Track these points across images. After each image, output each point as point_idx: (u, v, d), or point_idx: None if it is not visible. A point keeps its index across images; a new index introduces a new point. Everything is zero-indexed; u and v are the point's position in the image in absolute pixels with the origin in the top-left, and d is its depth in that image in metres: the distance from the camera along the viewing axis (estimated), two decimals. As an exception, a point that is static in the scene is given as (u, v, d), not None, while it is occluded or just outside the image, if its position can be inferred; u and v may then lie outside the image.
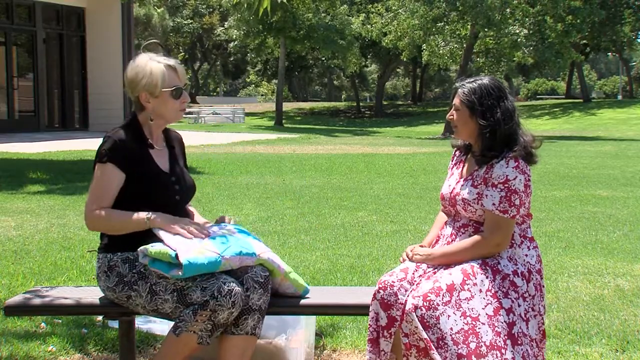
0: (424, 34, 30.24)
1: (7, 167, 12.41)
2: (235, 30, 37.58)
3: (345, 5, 39.41)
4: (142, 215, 3.08)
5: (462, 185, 3.14)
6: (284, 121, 38.25)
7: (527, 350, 2.92)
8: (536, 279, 3.03)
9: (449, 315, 2.85)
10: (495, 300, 2.91)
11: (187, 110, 45.50)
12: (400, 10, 31.59)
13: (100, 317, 4.18)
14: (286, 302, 3.27)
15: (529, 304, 2.98)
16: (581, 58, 39.15)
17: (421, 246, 3.24)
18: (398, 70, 63.37)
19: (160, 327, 4.07)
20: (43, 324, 4.26)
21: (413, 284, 3.04)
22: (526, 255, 3.06)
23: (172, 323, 3.05)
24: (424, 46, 31.06)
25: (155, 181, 3.17)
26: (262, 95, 69.78)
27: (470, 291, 2.90)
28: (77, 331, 4.15)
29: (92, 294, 3.33)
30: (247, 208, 8.80)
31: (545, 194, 10.49)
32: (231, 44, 49.71)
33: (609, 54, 66.18)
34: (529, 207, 3.10)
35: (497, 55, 30.42)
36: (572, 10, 31.41)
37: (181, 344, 2.98)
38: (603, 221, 8.20)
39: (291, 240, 6.89)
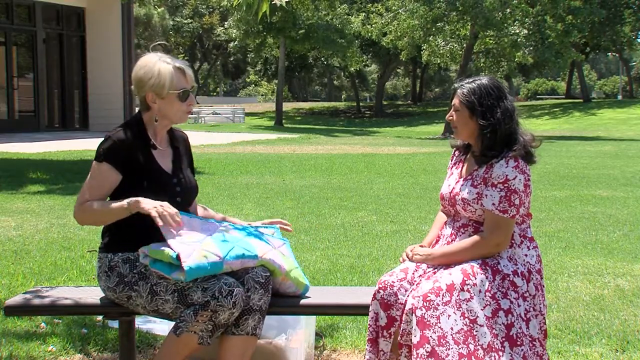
0: (424, 34, 30.25)
1: (7, 167, 12.41)
2: (235, 30, 37.58)
3: (344, 5, 39.39)
4: (124, 201, 3.07)
5: (461, 185, 3.14)
6: (284, 121, 38.26)
7: (527, 350, 2.92)
8: (536, 278, 3.03)
9: (449, 315, 2.85)
10: (494, 301, 2.91)
11: (187, 110, 45.83)
12: (400, 10, 31.59)
13: (100, 317, 4.18)
14: (286, 302, 3.27)
15: (530, 304, 2.98)
16: (581, 58, 39.14)
17: (421, 246, 3.24)
18: (398, 70, 63.36)
19: (161, 327, 4.08)
20: (43, 324, 4.26)
21: (413, 284, 3.04)
22: (526, 255, 3.06)
23: (172, 323, 3.05)
24: (424, 46, 31.06)
25: (156, 182, 3.17)
26: (262, 95, 69.80)
27: (469, 292, 2.90)
28: (77, 331, 4.15)
29: (92, 294, 3.33)
30: (247, 208, 8.80)
31: (545, 194, 10.49)
32: (231, 44, 49.72)
33: (609, 54, 66.18)
34: (529, 207, 3.10)
35: (497, 56, 30.43)
36: (572, 10, 31.42)
37: (182, 344, 2.98)
38: (603, 221, 8.20)
39: (291, 240, 6.85)
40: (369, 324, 3.08)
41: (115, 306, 3.18)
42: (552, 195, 10.43)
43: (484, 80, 3.15)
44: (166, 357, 3.02)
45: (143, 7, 42.15)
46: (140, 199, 3.04)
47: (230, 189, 10.71)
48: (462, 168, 3.23)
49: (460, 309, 2.87)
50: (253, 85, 77.23)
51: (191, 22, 55.45)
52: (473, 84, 3.12)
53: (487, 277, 2.95)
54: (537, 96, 69.54)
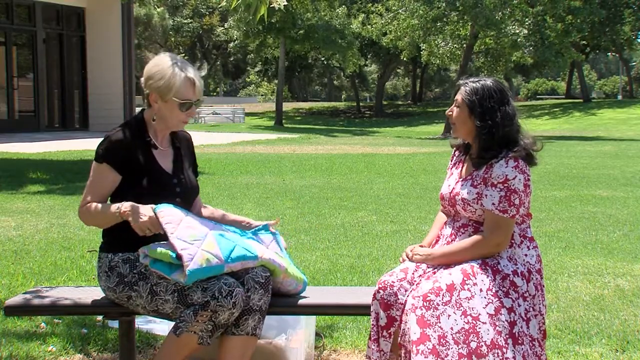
0: (424, 34, 30.25)
1: (7, 167, 12.41)
2: (235, 31, 37.59)
3: (344, 6, 39.40)
4: (114, 208, 3.08)
5: (461, 185, 3.14)
6: (284, 121, 38.27)
7: (527, 350, 2.92)
8: (536, 278, 3.03)
9: (449, 315, 2.85)
10: (497, 299, 2.91)
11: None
12: (400, 10, 31.60)
13: (100, 317, 4.18)
14: (286, 302, 3.27)
15: (530, 304, 2.98)
16: (581, 58, 39.16)
17: (421, 246, 3.24)
18: (398, 70, 63.35)
19: (161, 327, 4.08)
20: (43, 324, 4.26)
21: (413, 284, 3.04)
22: (526, 255, 3.06)
23: (172, 323, 3.05)
24: (423, 46, 31.07)
25: (156, 182, 3.17)
26: (262, 95, 69.78)
27: (470, 291, 2.90)
28: (77, 331, 4.15)
29: (92, 294, 3.33)
30: (247, 208, 8.80)
31: (545, 194, 10.49)
32: (231, 44, 49.72)
33: (609, 54, 66.18)
34: (529, 206, 3.10)
35: (496, 56, 30.43)
36: (572, 10, 31.43)
37: (182, 344, 2.98)
38: (603, 221, 8.20)
39: (291, 240, 6.88)
40: (372, 325, 3.08)
41: (115, 306, 3.18)
42: (552, 195, 10.43)
43: (488, 82, 3.14)
44: (166, 357, 3.02)
45: (143, 7, 42.16)
46: (129, 207, 3.05)
47: (230, 189, 10.71)
48: (462, 168, 3.23)
49: (461, 307, 2.86)
50: (253, 85, 77.23)
51: (191, 22, 55.44)
52: (477, 84, 3.12)
53: (487, 277, 2.95)
54: (537, 96, 69.55)
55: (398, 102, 63.93)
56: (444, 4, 29.58)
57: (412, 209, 9.05)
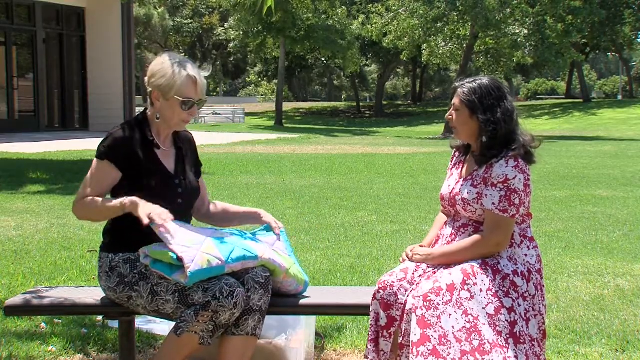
0: (424, 34, 30.26)
1: (7, 167, 12.41)
2: (235, 31, 37.59)
3: (344, 7, 39.40)
4: (122, 199, 3.07)
5: (461, 185, 3.14)
6: (284, 121, 38.26)
7: (528, 349, 2.92)
8: (536, 278, 3.03)
9: (450, 314, 2.85)
10: (497, 299, 2.91)
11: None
12: (400, 10, 31.61)
13: (100, 317, 4.18)
14: (286, 302, 3.27)
15: (530, 304, 2.98)
16: (581, 58, 39.16)
17: (421, 246, 3.24)
18: (398, 70, 63.35)
19: (161, 327, 4.08)
20: (43, 324, 4.26)
21: (413, 284, 3.04)
22: (526, 255, 3.06)
23: (173, 323, 3.05)
24: (424, 46, 31.07)
25: (157, 182, 3.16)
26: (262, 95, 69.78)
27: (470, 291, 2.90)
28: (77, 331, 4.15)
29: (92, 294, 3.33)
30: (247, 208, 8.79)
31: (545, 194, 10.49)
32: (231, 44, 49.71)
33: (609, 54, 66.17)
34: (529, 206, 3.10)
35: (497, 56, 30.43)
36: (572, 10, 31.42)
37: (182, 344, 2.98)
38: (603, 221, 8.20)
39: (291, 240, 6.86)
40: (370, 324, 3.08)
41: (115, 306, 3.18)
42: (552, 195, 10.43)
43: (484, 80, 3.14)
44: (166, 357, 3.02)
45: (143, 7, 42.15)
46: (137, 201, 3.04)
47: (230, 189, 10.71)
48: (462, 169, 3.23)
49: (462, 307, 2.86)
50: (253, 85, 77.23)
51: (191, 23, 55.44)
52: (474, 84, 3.12)
53: (487, 277, 2.95)
54: (537, 96, 69.55)
55: (398, 102, 63.93)
56: (444, 4, 29.59)
57: (412, 209, 9.05)
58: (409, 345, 2.89)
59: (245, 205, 3.35)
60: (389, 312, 3.01)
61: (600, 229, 7.69)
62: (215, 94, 75.73)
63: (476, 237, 3.05)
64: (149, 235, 3.07)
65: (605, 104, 43.88)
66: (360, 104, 57.15)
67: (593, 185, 11.63)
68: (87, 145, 16.43)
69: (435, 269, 3.08)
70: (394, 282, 3.05)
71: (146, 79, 3.21)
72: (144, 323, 4.15)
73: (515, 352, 2.87)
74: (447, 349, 2.81)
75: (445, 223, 3.24)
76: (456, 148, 3.30)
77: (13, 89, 21.75)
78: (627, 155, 18.20)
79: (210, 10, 55.95)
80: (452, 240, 3.14)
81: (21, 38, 22.70)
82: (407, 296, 2.98)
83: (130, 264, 3.11)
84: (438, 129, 33.91)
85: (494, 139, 3.06)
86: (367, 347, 3.09)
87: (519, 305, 2.95)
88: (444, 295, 2.87)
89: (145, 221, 2.97)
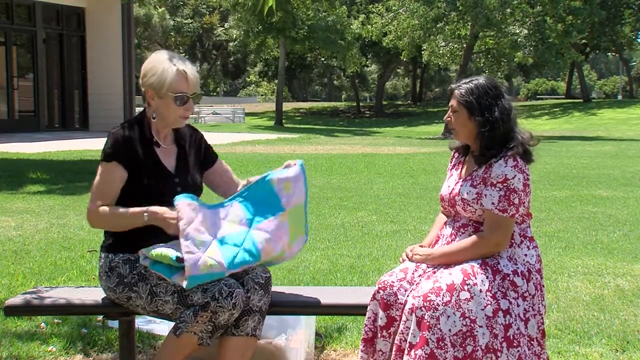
0: (424, 34, 30.26)
1: (7, 167, 12.41)
2: (235, 30, 37.59)
3: (344, 7, 39.42)
4: (138, 210, 3.07)
5: (461, 186, 3.14)
6: (284, 121, 38.27)
7: (524, 351, 2.92)
8: (536, 278, 3.03)
9: (448, 316, 2.85)
10: (495, 301, 2.91)
11: (187, 110, 45.53)
12: (400, 11, 31.61)
13: (100, 317, 4.18)
14: (286, 302, 3.27)
15: (529, 304, 2.98)
16: (581, 58, 39.16)
17: (421, 246, 3.24)
18: (398, 70, 63.35)
19: (161, 327, 4.07)
20: (43, 324, 4.26)
21: (413, 284, 3.04)
22: (526, 255, 3.06)
23: (172, 323, 3.05)
24: (424, 46, 31.07)
25: (156, 180, 3.16)
26: (262, 95, 69.79)
27: (469, 292, 2.90)
28: (77, 331, 4.15)
29: (92, 294, 3.34)
30: (247, 208, 8.79)
31: (545, 194, 10.49)
32: (231, 44, 49.72)
33: (609, 54, 66.17)
34: (529, 206, 3.10)
35: (497, 56, 30.43)
36: (572, 10, 31.42)
37: (181, 345, 2.98)
38: (603, 221, 8.21)
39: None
40: (365, 324, 3.08)
41: (115, 306, 3.18)
42: (552, 195, 10.43)
43: (481, 80, 3.14)
44: (166, 358, 3.02)
45: (143, 7, 42.17)
46: (157, 210, 3.06)
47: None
48: (461, 169, 3.23)
49: (460, 309, 2.86)
50: (253, 85, 77.23)
51: (191, 22, 55.44)
52: (470, 84, 3.12)
53: (487, 277, 2.95)
54: (537, 96, 69.53)
55: (398, 102, 63.93)
56: (444, 4, 29.59)
57: (412, 209, 9.05)
58: (400, 345, 2.89)
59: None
60: (388, 312, 3.01)
61: (600, 229, 7.69)
62: (215, 94, 75.71)
63: (476, 237, 3.05)
64: (149, 236, 3.07)
65: (605, 104, 43.87)
66: (360, 104, 57.16)
67: (593, 185, 11.63)
68: (87, 145, 16.43)
69: (435, 269, 3.08)
70: (393, 282, 3.05)
71: (140, 80, 3.22)
72: (144, 323, 4.15)
73: (508, 357, 2.87)
74: (444, 352, 2.82)
75: (445, 223, 3.24)
76: (455, 149, 3.30)
77: (13, 89, 21.75)
78: (627, 155, 18.20)
79: (211, 10, 55.95)
80: (452, 241, 3.14)
81: (21, 38, 22.70)
82: (407, 296, 2.98)
83: (130, 265, 3.11)
84: (438, 129, 33.91)
85: (492, 138, 3.06)
86: (360, 346, 3.10)
87: (518, 306, 2.95)
88: (443, 295, 2.87)
89: (171, 232, 3.03)
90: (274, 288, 3.22)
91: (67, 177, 11.46)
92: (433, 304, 2.85)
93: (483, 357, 2.83)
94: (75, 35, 23.56)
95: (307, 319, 3.74)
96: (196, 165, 3.33)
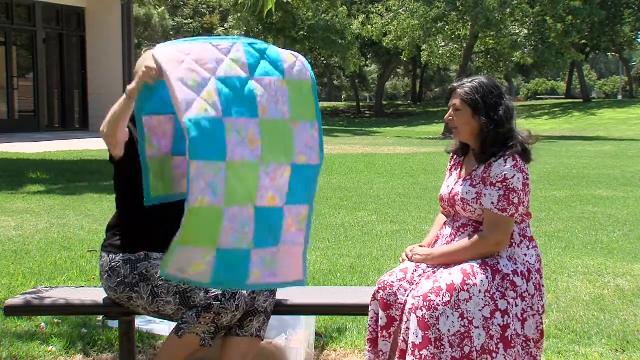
0: (424, 34, 30.26)
1: (7, 167, 12.41)
2: (236, 31, 37.57)
3: (344, 7, 39.42)
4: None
5: (460, 186, 3.14)
6: (284, 121, 38.20)
7: (518, 351, 2.92)
8: (536, 278, 3.03)
9: (447, 317, 2.85)
10: (493, 302, 2.92)
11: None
12: (400, 11, 31.61)
13: (100, 317, 4.18)
14: (286, 302, 3.27)
15: (528, 304, 2.98)
16: (581, 58, 39.15)
17: (421, 246, 3.24)
18: (398, 70, 63.32)
19: (161, 327, 4.07)
20: (43, 324, 4.26)
21: (413, 284, 3.04)
22: (525, 254, 3.06)
23: (173, 323, 3.05)
24: (423, 46, 31.07)
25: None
26: (262, 95, 69.69)
27: (469, 292, 2.90)
28: (77, 331, 4.15)
29: (92, 294, 3.34)
30: (247, 208, 8.79)
31: (545, 194, 10.49)
32: (231, 44, 49.61)
33: (609, 54, 66.13)
34: (528, 206, 3.10)
35: (497, 56, 30.43)
36: (572, 10, 31.42)
37: (183, 345, 2.98)
38: (603, 221, 8.21)
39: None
40: (368, 324, 3.08)
41: (115, 306, 3.19)
42: (552, 195, 10.43)
43: (483, 79, 3.14)
44: (167, 358, 3.02)
45: (143, 7, 42.15)
46: (131, 85, 2.94)
47: (230, 189, 10.70)
48: (460, 169, 3.23)
49: (459, 309, 2.87)
50: (253, 85, 77.04)
51: (191, 22, 55.43)
52: (474, 83, 3.11)
53: (487, 277, 2.95)
54: (537, 96, 69.50)
55: (398, 102, 63.90)
56: (444, 4, 29.58)
57: (412, 209, 9.05)
58: (408, 345, 2.89)
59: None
60: (388, 312, 3.01)
61: (600, 229, 7.69)
62: (215, 94, 75.60)
63: (476, 237, 3.05)
64: (148, 236, 3.07)
65: (605, 104, 43.85)
66: (360, 104, 57.14)
67: (593, 185, 11.63)
68: (87, 145, 16.43)
69: (435, 269, 3.08)
70: (393, 282, 3.05)
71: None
72: (144, 323, 4.15)
73: (504, 358, 2.87)
74: (441, 353, 2.82)
75: (445, 223, 3.24)
76: (453, 152, 3.30)
77: (13, 89, 21.75)
78: (627, 155, 18.20)
79: (211, 10, 55.95)
80: (451, 240, 3.14)
81: (21, 38, 22.69)
82: (407, 296, 2.98)
83: (131, 265, 3.11)
84: (438, 129, 33.90)
85: (496, 137, 3.06)
86: (366, 347, 3.10)
87: (517, 306, 2.95)
88: (443, 295, 2.87)
89: (142, 75, 2.86)
90: (273, 288, 3.22)
91: (67, 177, 11.46)
92: (433, 304, 2.85)
93: (477, 358, 2.83)
94: (75, 35, 23.55)
95: (307, 319, 3.74)
96: None
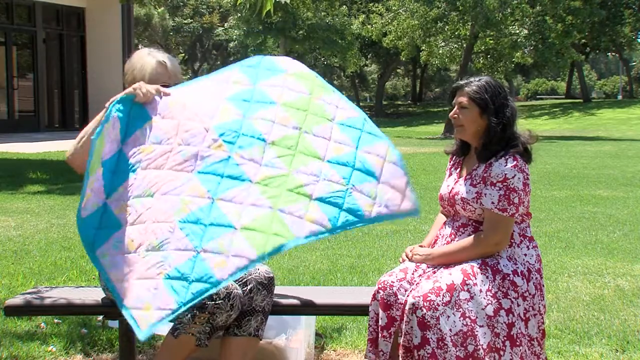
0: (424, 34, 30.26)
1: (7, 167, 12.41)
2: (236, 30, 37.60)
3: (344, 6, 39.43)
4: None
5: (461, 185, 3.14)
6: (284, 121, 38.21)
7: (525, 350, 2.92)
8: (536, 278, 3.03)
9: (448, 316, 2.85)
10: (495, 300, 2.91)
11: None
12: (400, 10, 31.61)
13: (100, 317, 4.18)
14: (286, 302, 3.27)
15: (529, 304, 2.98)
16: (581, 58, 39.16)
17: (421, 246, 3.24)
18: (398, 70, 63.31)
19: (161, 327, 4.06)
20: (43, 324, 4.26)
21: (413, 284, 3.04)
22: (525, 254, 3.06)
23: (171, 323, 3.05)
24: (423, 46, 31.07)
25: None
26: (262, 95, 69.71)
27: (469, 291, 2.90)
28: (77, 331, 4.15)
29: (92, 294, 3.34)
30: (247, 208, 8.79)
31: (545, 194, 10.49)
32: (231, 44, 49.72)
33: (609, 54, 66.15)
34: (528, 206, 3.10)
35: (497, 56, 30.43)
36: (572, 10, 31.43)
37: (180, 346, 2.98)
38: (603, 221, 8.20)
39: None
40: (369, 324, 3.08)
41: (115, 306, 3.18)
42: (552, 195, 10.42)
43: (489, 79, 3.15)
44: (164, 359, 3.02)
45: (143, 7, 42.18)
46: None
47: (230, 189, 10.70)
48: (460, 169, 3.23)
49: (460, 309, 2.86)
50: (253, 85, 77.07)
51: (191, 22, 55.44)
52: (481, 82, 3.11)
53: (487, 277, 2.95)
54: (537, 96, 69.49)
55: (398, 102, 63.89)
56: (444, 4, 29.58)
57: (412, 209, 9.04)
58: (409, 345, 2.89)
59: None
60: (388, 312, 3.01)
61: (600, 229, 7.69)
62: (215, 94, 75.55)
63: (476, 236, 3.05)
64: None
65: (605, 104, 43.84)
66: (360, 104, 57.14)
67: (593, 185, 11.63)
68: (87, 145, 16.38)
69: (435, 269, 3.08)
70: (393, 282, 3.05)
71: (123, 79, 3.25)
72: (144, 323, 4.14)
73: (511, 355, 2.87)
74: (444, 352, 2.81)
75: (445, 223, 3.24)
76: (452, 153, 3.30)
77: (13, 89, 21.75)
78: (627, 155, 18.19)
79: (211, 10, 55.95)
80: (451, 240, 3.14)
81: (21, 38, 22.69)
82: (407, 296, 2.97)
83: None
84: (438, 129, 33.89)
85: (501, 137, 3.06)
86: (367, 346, 3.10)
87: (518, 305, 2.95)
88: (443, 295, 2.87)
89: (131, 91, 2.90)
90: (273, 288, 3.22)
91: (67, 177, 11.46)
92: (433, 304, 2.85)
93: (486, 356, 2.82)
94: (75, 35, 23.55)
95: (307, 319, 3.74)
96: None
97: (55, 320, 4.30)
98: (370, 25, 35.92)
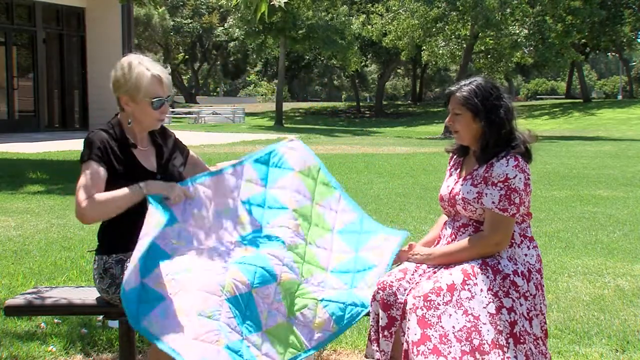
0: (424, 34, 30.27)
1: (7, 167, 12.41)
2: (237, 30, 37.59)
3: (345, 6, 39.43)
4: (134, 186, 3.04)
5: (461, 185, 3.14)
6: (284, 121, 38.26)
7: (530, 348, 2.92)
8: (536, 278, 3.03)
9: (450, 314, 2.84)
10: (497, 299, 2.91)
11: (187, 110, 44.55)
12: (400, 11, 31.62)
13: (100, 317, 4.18)
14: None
15: (531, 303, 2.98)
16: (581, 58, 39.16)
17: (411, 246, 3.26)
18: (398, 70, 63.34)
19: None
20: (43, 324, 4.26)
21: (412, 284, 3.04)
22: (526, 254, 3.06)
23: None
24: (423, 47, 31.09)
25: (139, 180, 3.12)
26: (262, 95, 69.79)
27: (470, 291, 2.89)
28: (77, 331, 4.15)
29: (92, 294, 3.33)
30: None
31: (545, 194, 10.49)
32: (231, 44, 49.73)
33: (609, 54, 66.14)
34: (529, 206, 3.10)
35: (497, 56, 30.44)
36: (572, 10, 31.46)
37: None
38: (603, 221, 8.20)
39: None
40: (370, 325, 3.08)
41: (115, 306, 3.18)
42: (552, 195, 10.43)
43: (480, 80, 3.13)
44: (165, 359, 3.01)
45: (143, 7, 42.20)
46: (150, 184, 3.08)
47: (230, 189, 10.69)
48: (460, 169, 3.23)
49: (462, 307, 2.86)
50: (253, 85, 77.23)
51: (191, 22, 55.43)
52: (471, 86, 3.10)
53: (487, 277, 2.95)
54: (537, 96, 69.54)
55: (398, 102, 63.91)
56: (444, 4, 29.60)
57: (412, 209, 9.05)
58: (409, 345, 2.89)
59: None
60: (389, 312, 3.01)
61: (600, 229, 7.69)
62: (215, 94, 75.70)
63: (476, 236, 3.05)
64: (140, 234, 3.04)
65: (605, 104, 43.86)
66: (360, 104, 57.15)
67: (593, 185, 11.63)
68: (87, 145, 16.38)
69: (436, 269, 3.08)
70: (392, 282, 3.04)
71: (111, 86, 3.22)
72: (144, 323, 4.14)
73: (515, 352, 2.86)
74: (448, 347, 2.81)
75: (445, 223, 3.24)
76: (453, 152, 3.30)
77: (13, 89, 21.76)
78: (627, 155, 18.20)
79: (211, 10, 55.94)
80: (452, 240, 3.14)
81: (21, 38, 22.70)
82: (407, 295, 2.97)
83: (122, 265, 3.08)
84: (438, 129, 33.91)
85: (497, 138, 3.06)
86: (368, 347, 3.09)
87: (521, 305, 2.95)
88: (444, 295, 2.87)
89: (172, 197, 3.11)
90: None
91: (67, 177, 11.46)
92: (434, 304, 2.85)
93: (491, 351, 2.82)
94: (75, 35, 23.56)
95: (307, 319, 3.74)
96: (176, 160, 3.33)
97: (55, 320, 4.30)
98: (370, 25, 35.92)
